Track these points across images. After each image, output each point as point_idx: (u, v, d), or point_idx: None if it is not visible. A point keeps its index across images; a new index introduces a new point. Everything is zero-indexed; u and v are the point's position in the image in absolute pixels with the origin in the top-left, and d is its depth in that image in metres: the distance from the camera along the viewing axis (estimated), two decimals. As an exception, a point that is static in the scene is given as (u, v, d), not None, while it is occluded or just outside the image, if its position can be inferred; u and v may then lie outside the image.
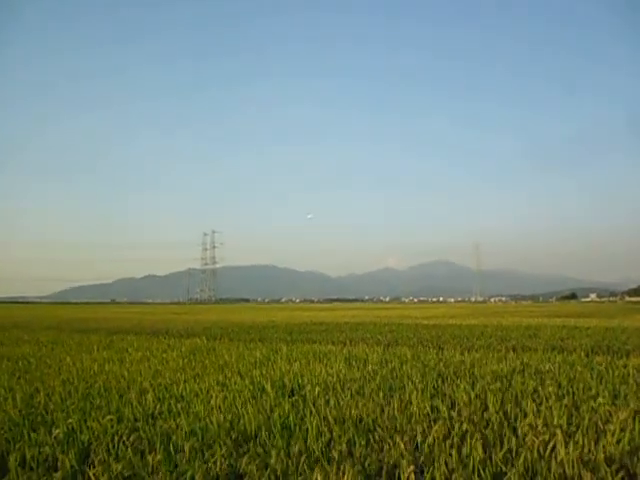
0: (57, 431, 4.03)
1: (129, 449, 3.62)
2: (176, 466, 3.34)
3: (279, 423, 4.19)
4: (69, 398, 5.43)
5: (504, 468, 3.21)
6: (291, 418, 4.36)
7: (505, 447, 3.48)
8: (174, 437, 3.94)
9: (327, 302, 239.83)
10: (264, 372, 7.19)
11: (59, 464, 3.34)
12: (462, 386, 5.81)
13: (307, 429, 4.01)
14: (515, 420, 4.31)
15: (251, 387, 5.95)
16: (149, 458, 3.42)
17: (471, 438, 3.54)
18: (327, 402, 5.08)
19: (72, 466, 3.32)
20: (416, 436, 3.82)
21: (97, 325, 21.79)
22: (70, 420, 4.37)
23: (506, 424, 4.12)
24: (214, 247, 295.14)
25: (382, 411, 4.64)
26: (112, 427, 4.20)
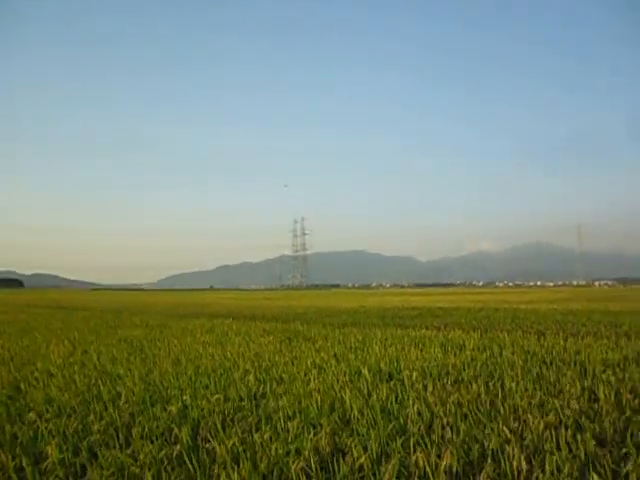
0: (171, 407, 4.36)
1: (237, 426, 3.84)
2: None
3: (378, 406, 4.23)
4: (180, 377, 5.83)
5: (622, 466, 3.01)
6: (390, 401, 4.39)
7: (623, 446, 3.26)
8: (276, 417, 4.12)
9: (418, 287, 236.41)
10: (359, 356, 7.27)
11: (177, 438, 3.61)
12: (568, 374, 5.51)
13: (407, 413, 4.02)
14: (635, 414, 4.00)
15: (348, 371, 6.04)
16: (256, 436, 3.60)
17: (582, 431, 3.36)
18: (425, 387, 5.04)
19: (187, 440, 3.57)
20: (520, 425, 3.69)
21: (199, 310, 23.11)
22: (185, 397, 4.70)
23: (623, 419, 3.85)
24: (304, 234, 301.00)
25: (482, 398, 4.53)
26: (219, 405, 4.47)
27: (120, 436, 3.68)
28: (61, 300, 41.42)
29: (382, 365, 6.46)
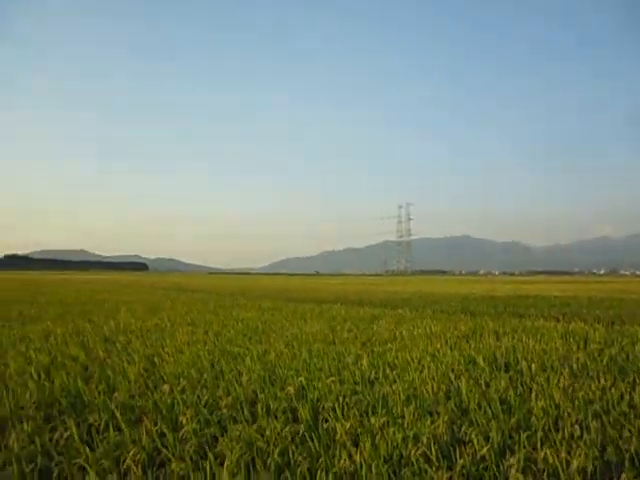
0: (289, 387, 4.55)
1: (353, 409, 3.92)
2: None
3: (497, 397, 4.09)
4: (294, 359, 6.05)
5: None
6: (510, 393, 4.22)
7: None
8: (392, 401, 4.14)
9: (529, 274, 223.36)
10: (473, 345, 7.06)
11: (298, 416, 3.77)
12: None
13: (530, 407, 3.85)
14: None
15: (461, 359, 5.90)
16: (372, 419, 3.65)
17: None
18: (547, 380, 4.78)
19: (307, 420, 3.72)
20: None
21: (306, 295, 23.77)
22: (300, 378, 4.88)
23: None
24: (409, 219, 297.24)
25: (613, 395, 4.20)
26: (335, 388, 4.59)
27: (245, 412, 3.92)
28: (181, 283, 44.71)
29: (497, 355, 6.23)
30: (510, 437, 3.30)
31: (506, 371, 5.34)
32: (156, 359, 5.98)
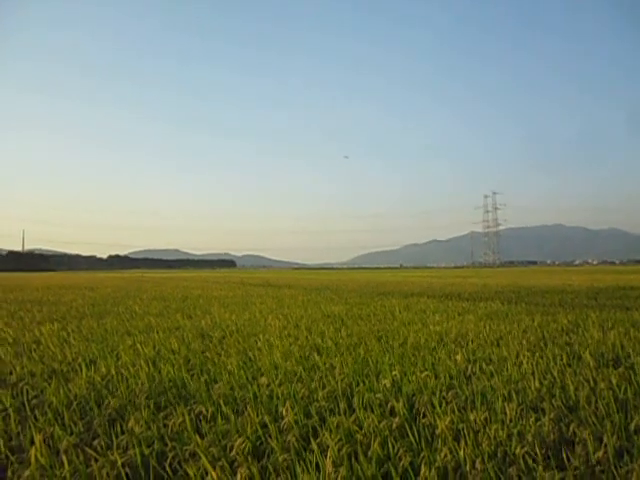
0: (385, 381, 4.54)
1: (451, 404, 3.84)
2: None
3: (609, 395, 3.83)
4: (387, 353, 6.03)
5: None
6: (622, 391, 3.94)
7: None
8: (491, 397, 4.01)
9: (631, 263, 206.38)
10: (574, 338, 6.67)
11: (395, 410, 3.76)
12: None
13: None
14: None
15: (563, 354, 5.59)
16: (471, 415, 3.56)
17: None
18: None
19: (403, 414, 3.69)
20: None
21: (392, 288, 23.57)
22: (394, 372, 4.86)
23: None
24: (496, 209, 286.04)
25: None
26: (430, 382, 4.52)
27: (341, 404, 3.96)
28: (268, 278, 45.99)
29: (604, 349, 5.84)
30: (627, 440, 3.08)
31: (615, 367, 4.98)
32: (250, 353, 6.20)
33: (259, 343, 6.97)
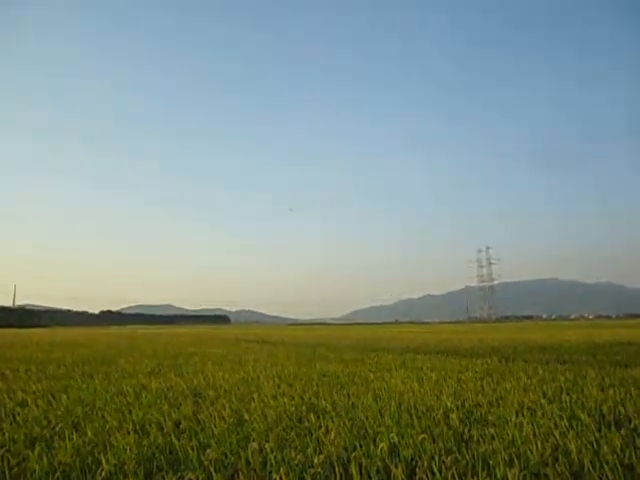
0: (382, 444, 4.39)
1: (451, 470, 3.70)
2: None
3: (614, 459, 3.71)
4: (384, 414, 5.87)
5: None
6: (627, 456, 3.82)
7: None
8: (492, 462, 3.87)
9: (628, 318, 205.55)
10: (574, 397, 6.53)
11: (393, 476, 3.62)
12: None
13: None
14: None
15: (562, 414, 5.45)
16: (473, 482, 3.42)
17: None
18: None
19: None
20: None
21: (387, 344, 23.24)
22: (391, 435, 4.70)
23: None
24: (490, 264, 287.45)
25: None
26: (428, 446, 4.37)
27: (337, 469, 3.81)
28: (262, 334, 45.29)
29: (604, 409, 5.71)
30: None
31: (618, 429, 4.85)
32: (244, 414, 6.01)
33: (253, 404, 6.78)
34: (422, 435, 4.66)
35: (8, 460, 4.26)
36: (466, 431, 4.92)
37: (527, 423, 4.99)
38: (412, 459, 4.10)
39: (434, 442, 4.53)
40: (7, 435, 5.12)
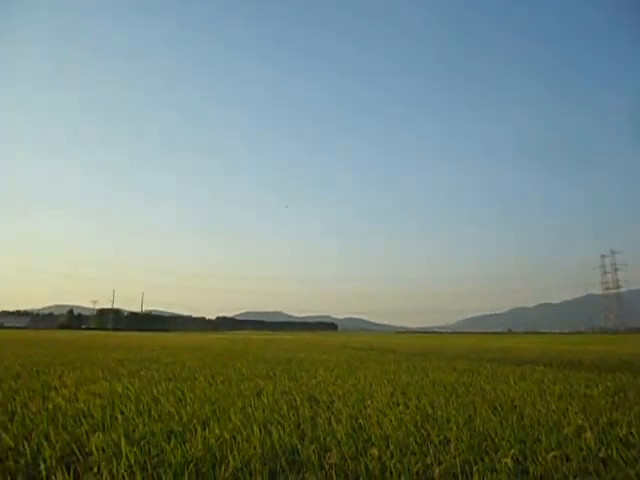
0: (506, 460, 4.18)
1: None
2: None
3: None
4: (504, 427, 5.58)
5: None
6: None
7: None
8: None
9: None
10: None
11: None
12: None
13: None
14: None
15: None
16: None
17: None
18: None
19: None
20: None
21: (502, 355, 22.14)
22: (512, 450, 4.46)
23: None
24: (616, 269, 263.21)
25: None
26: (559, 464, 4.08)
27: (460, 483, 3.69)
28: (371, 342, 45.29)
29: None
30: None
31: None
32: (360, 420, 6.04)
33: (368, 409, 6.79)
34: (553, 452, 4.37)
35: (149, 450, 4.66)
36: (603, 450, 4.53)
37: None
38: (541, 477, 3.86)
39: (567, 461, 4.22)
40: (147, 428, 5.60)
